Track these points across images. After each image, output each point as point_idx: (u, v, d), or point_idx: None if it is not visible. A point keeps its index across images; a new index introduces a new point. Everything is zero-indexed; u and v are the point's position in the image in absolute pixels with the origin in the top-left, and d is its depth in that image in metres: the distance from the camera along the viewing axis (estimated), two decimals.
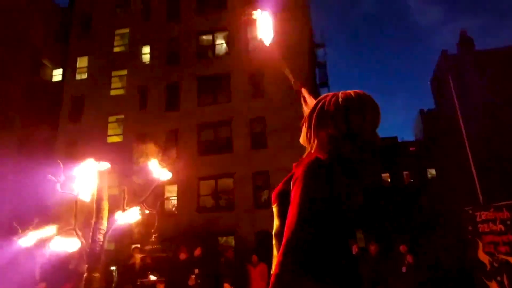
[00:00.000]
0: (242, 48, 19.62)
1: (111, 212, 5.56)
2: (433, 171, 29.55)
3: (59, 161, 6.16)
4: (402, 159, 28.91)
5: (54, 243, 5.84)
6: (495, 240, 7.30)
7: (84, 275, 5.03)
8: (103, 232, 5.18)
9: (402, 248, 8.97)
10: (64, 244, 5.81)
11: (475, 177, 10.23)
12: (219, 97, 19.63)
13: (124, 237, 10.73)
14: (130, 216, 5.62)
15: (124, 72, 21.41)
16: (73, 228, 5.37)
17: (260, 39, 2.09)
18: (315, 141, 1.38)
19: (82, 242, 5.27)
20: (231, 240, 16.95)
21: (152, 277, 7.70)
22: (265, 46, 2.07)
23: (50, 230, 6.08)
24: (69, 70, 22.33)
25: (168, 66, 20.75)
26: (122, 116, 20.52)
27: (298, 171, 1.24)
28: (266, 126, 18.25)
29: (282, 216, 1.26)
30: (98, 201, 5.29)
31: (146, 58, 21.63)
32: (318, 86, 23.48)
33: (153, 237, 6.58)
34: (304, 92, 1.79)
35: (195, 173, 17.55)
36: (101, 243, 5.12)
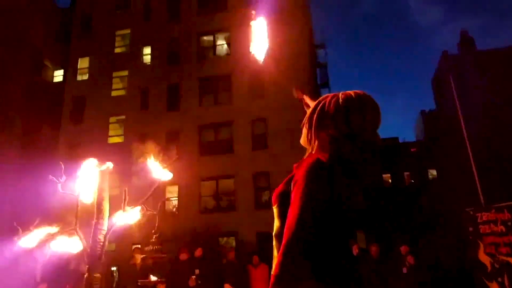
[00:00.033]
0: (243, 49, 19.60)
1: (112, 212, 5.57)
2: (434, 172, 29.53)
3: (60, 161, 6.17)
4: (403, 160, 28.90)
5: (55, 243, 5.85)
6: (496, 241, 7.30)
7: (85, 275, 5.04)
8: (103, 232, 5.19)
9: (403, 249, 8.96)
10: (65, 244, 5.81)
11: (476, 178, 10.21)
12: (220, 98, 19.64)
13: (125, 238, 10.73)
14: (130, 216, 5.62)
15: (125, 72, 21.43)
16: (74, 229, 5.38)
17: (254, 54, 2.05)
18: (316, 142, 1.38)
19: (83, 243, 5.28)
20: (232, 241, 16.95)
21: (153, 278, 7.70)
22: (260, 60, 2.04)
23: (51, 230, 6.09)
24: (70, 71, 22.35)
25: (169, 66, 20.75)
26: (123, 117, 20.53)
27: (299, 172, 1.23)
28: (267, 127, 18.25)
29: (283, 217, 1.26)
30: (99, 201, 5.29)
31: (147, 58, 21.65)
32: (319, 86, 23.49)
33: (153, 237, 6.57)
34: (306, 99, 1.79)
35: (196, 174, 17.55)
36: (101, 243, 5.12)
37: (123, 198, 5.69)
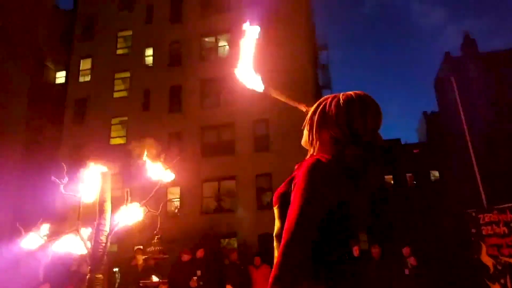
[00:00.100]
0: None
1: (114, 214, 5.58)
2: (436, 173, 29.49)
3: (62, 162, 6.19)
4: (405, 161, 28.85)
5: (57, 244, 5.86)
6: (498, 243, 7.27)
7: (87, 276, 5.05)
8: (105, 233, 5.20)
9: (405, 250, 8.93)
10: (67, 245, 5.82)
11: (478, 179, 10.19)
12: (222, 99, 19.65)
13: (127, 239, 10.75)
14: (132, 214, 5.63)
15: (127, 74, 21.50)
16: (76, 229, 5.39)
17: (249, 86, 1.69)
18: (317, 143, 1.38)
19: (85, 244, 5.29)
20: (234, 242, 16.95)
21: (155, 279, 7.71)
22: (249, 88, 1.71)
23: (53, 231, 6.10)
24: (73, 72, 22.42)
25: (171, 68, 20.80)
26: (125, 118, 20.58)
27: (299, 173, 1.23)
28: (269, 128, 18.25)
29: (283, 217, 1.25)
30: (101, 202, 5.30)
31: (149, 60, 21.70)
32: (320, 88, 23.47)
33: (155, 238, 6.58)
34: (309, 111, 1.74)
35: (198, 175, 17.56)
36: (104, 244, 5.13)
37: (125, 199, 5.70)
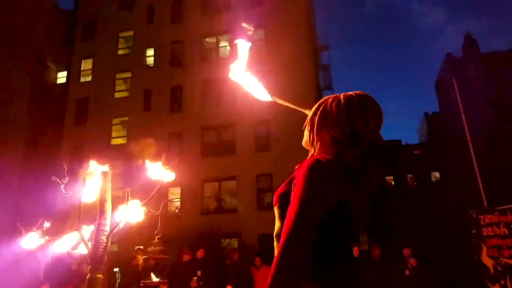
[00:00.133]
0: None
1: (114, 213, 5.58)
2: (437, 174, 29.46)
3: (63, 162, 6.19)
4: (406, 162, 28.83)
5: (57, 244, 5.86)
6: (498, 244, 7.27)
7: (87, 276, 5.05)
8: (106, 233, 5.19)
9: (406, 251, 8.93)
10: (68, 245, 5.82)
11: (479, 180, 10.18)
12: (223, 99, 19.64)
13: (127, 239, 10.76)
14: (133, 213, 5.62)
15: (128, 74, 21.51)
16: (77, 229, 5.39)
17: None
18: (318, 144, 1.38)
19: (85, 244, 5.28)
20: (234, 242, 16.94)
21: (155, 279, 7.71)
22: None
23: (54, 231, 6.10)
24: (74, 73, 22.44)
25: (172, 68, 20.81)
26: (126, 118, 20.60)
27: (299, 173, 1.23)
28: (270, 128, 18.24)
29: (283, 217, 1.26)
30: (102, 202, 5.30)
31: (150, 60, 21.71)
32: (321, 89, 23.47)
33: (156, 238, 6.58)
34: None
35: (198, 175, 17.57)
36: (104, 244, 5.13)
37: (126, 199, 5.70)
